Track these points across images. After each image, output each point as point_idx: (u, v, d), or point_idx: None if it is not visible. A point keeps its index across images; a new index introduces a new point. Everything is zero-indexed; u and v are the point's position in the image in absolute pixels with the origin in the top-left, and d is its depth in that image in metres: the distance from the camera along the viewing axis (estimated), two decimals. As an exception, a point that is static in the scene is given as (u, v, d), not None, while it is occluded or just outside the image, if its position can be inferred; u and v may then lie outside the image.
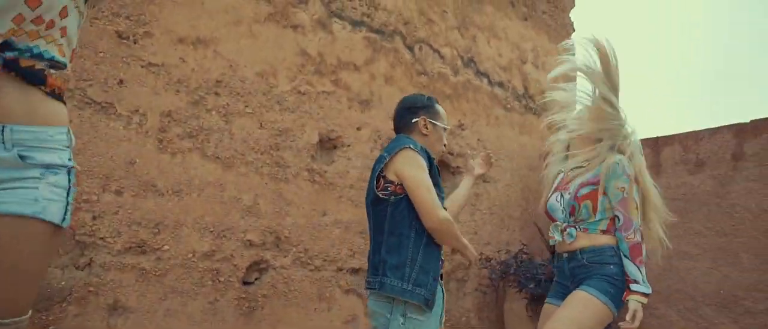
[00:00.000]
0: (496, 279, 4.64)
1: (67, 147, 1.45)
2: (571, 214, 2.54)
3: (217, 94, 3.59)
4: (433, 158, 2.19)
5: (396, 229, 2.09)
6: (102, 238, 3.17)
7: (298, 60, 3.92)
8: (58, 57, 1.43)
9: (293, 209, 3.85)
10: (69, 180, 1.43)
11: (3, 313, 1.33)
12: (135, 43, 3.33)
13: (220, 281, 3.54)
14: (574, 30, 5.66)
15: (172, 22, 3.45)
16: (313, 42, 3.99)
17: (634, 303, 2.38)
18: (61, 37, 1.44)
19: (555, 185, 2.66)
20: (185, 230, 3.42)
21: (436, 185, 2.14)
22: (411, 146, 2.10)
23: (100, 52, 3.22)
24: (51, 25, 1.41)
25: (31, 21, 1.37)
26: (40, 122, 1.39)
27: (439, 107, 2.35)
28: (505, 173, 4.93)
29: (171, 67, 3.43)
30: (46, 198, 1.37)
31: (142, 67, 3.34)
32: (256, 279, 3.74)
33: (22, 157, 1.36)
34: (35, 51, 1.38)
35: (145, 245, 3.29)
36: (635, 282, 2.41)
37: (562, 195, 2.59)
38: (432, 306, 2.04)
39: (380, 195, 2.13)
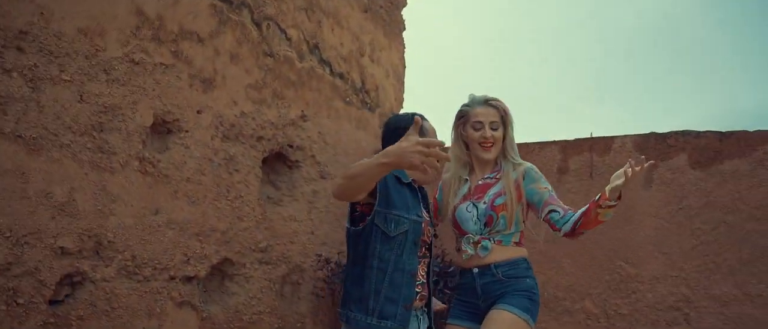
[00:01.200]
0: (332, 281, 4.35)
1: None
2: (487, 224, 2.38)
3: (20, 49, 2.68)
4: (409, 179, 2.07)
5: (358, 258, 1.95)
6: None
7: (132, 20, 3.14)
8: None
9: (119, 207, 3.07)
10: None
11: None
12: None
13: (18, 303, 2.65)
14: (405, 28, 5.63)
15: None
16: (151, 1, 3.24)
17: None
18: None
19: (462, 194, 2.46)
20: (-28, 235, 2.47)
21: (395, 206, 1.96)
22: None
23: None
24: None
25: None
26: None
27: (426, 125, 2.09)
28: (343, 169, 4.66)
29: None
30: None
31: None
32: (66, 297, 2.90)
33: None
34: None
35: None
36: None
37: (474, 205, 2.41)
38: None
39: (347, 225, 2.03)
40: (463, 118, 2.45)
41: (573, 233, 2.25)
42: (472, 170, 2.48)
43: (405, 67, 5.71)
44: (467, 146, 2.46)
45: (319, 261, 4.37)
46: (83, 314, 2.90)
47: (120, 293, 3.06)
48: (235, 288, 3.84)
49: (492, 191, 2.39)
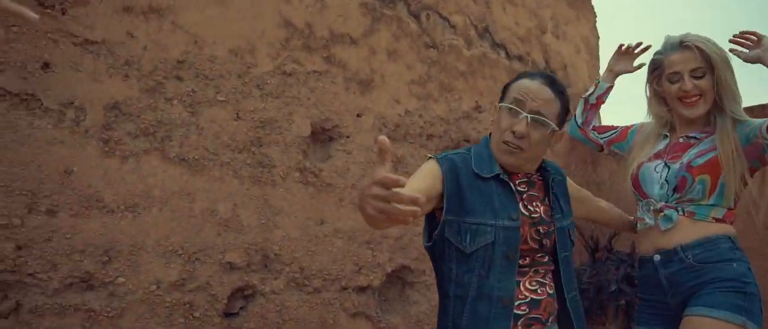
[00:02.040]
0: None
1: None
2: (677, 189, 1.79)
3: (179, 78, 2.81)
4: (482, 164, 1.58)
5: (439, 282, 1.63)
6: (31, 274, 2.37)
7: (281, 33, 3.14)
8: None
9: (283, 220, 3.08)
10: None
11: None
12: (63, 13, 2.52)
13: (194, 316, 2.76)
14: (594, -6, 4.95)
15: (115, -14, 2.65)
16: (299, 10, 3.21)
17: None
18: None
19: (655, 151, 1.90)
20: (145, 255, 2.64)
21: (471, 211, 1.51)
22: (430, 156, 1.62)
23: (14, 25, 2.41)
24: None
25: None
26: None
27: (511, 85, 1.61)
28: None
29: (115, 45, 2.64)
30: None
31: (75, 45, 2.54)
32: (241, 309, 2.97)
33: None
34: None
35: (93, 279, 2.51)
36: None
37: (666, 165, 1.83)
38: None
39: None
40: (657, 69, 1.92)
41: None
42: (673, 129, 1.92)
43: (598, 38, 5.00)
44: (667, 103, 1.91)
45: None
46: (255, 326, 2.95)
47: (290, 305, 3.06)
48: (416, 297, 3.64)
49: (694, 151, 1.82)
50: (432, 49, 3.76)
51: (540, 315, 1.52)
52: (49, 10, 2.49)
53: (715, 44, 1.80)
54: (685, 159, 1.80)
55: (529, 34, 4.36)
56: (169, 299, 2.70)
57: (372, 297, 3.42)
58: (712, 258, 1.76)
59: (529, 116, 1.50)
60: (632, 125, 2.05)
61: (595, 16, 4.99)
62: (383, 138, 1.07)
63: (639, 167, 1.88)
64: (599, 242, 3.75)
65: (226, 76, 2.95)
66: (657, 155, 1.87)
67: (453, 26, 3.88)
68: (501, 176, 1.55)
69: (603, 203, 1.97)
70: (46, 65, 2.48)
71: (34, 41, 2.45)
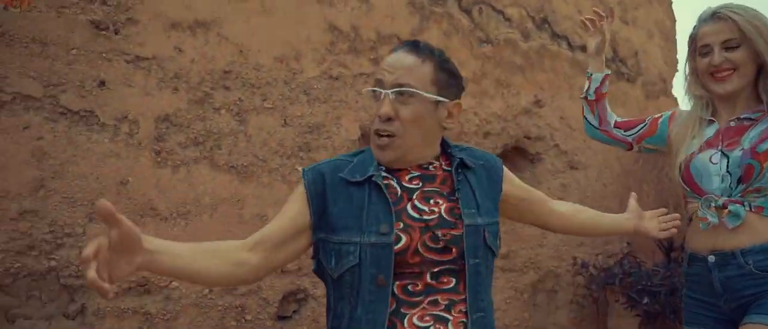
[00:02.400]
0: (596, 289, 3.72)
1: None
2: (742, 180, 1.60)
3: (226, 88, 2.89)
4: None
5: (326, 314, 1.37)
6: (90, 280, 2.53)
7: (326, 37, 3.16)
8: None
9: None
10: None
11: None
12: (116, 33, 2.67)
13: (246, 320, 2.84)
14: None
15: (162, 3, 2.77)
16: (344, 13, 3.22)
17: None
18: None
19: (704, 139, 1.69)
20: (197, 261, 2.74)
21: (336, 227, 1.24)
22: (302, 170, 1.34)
23: (73, 48, 2.58)
24: None
25: None
26: None
27: (382, 62, 1.33)
28: (596, 156, 3.99)
29: (165, 60, 2.76)
30: None
31: (127, 62, 2.68)
32: (294, 313, 3.03)
33: None
34: None
35: (149, 284, 2.64)
36: None
37: (724, 154, 1.64)
38: None
39: None
40: (693, 44, 1.74)
41: None
42: (715, 113, 1.73)
43: (674, 21, 4.67)
44: None
45: (575, 265, 3.79)
46: (308, 330, 3.00)
47: (343, 308, 3.08)
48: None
49: (754, 132, 1.64)
50: (486, 44, 3.65)
51: None
52: (103, 32, 2.64)
53: (754, 13, 1.62)
54: (746, 145, 1.61)
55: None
56: (222, 303, 2.79)
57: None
58: None
59: (389, 91, 1.23)
60: (661, 115, 1.86)
61: (671, -2, 4.67)
62: (103, 203, 0.91)
63: (689, 159, 1.68)
64: (674, 241, 3.50)
65: (273, 84, 3.01)
66: (709, 144, 1.67)
67: (508, 19, 3.75)
68: (373, 178, 1.24)
69: (564, 207, 1.60)
70: (102, 83, 2.63)
71: (91, 61, 2.61)
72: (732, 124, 1.67)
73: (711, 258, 1.64)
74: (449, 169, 1.31)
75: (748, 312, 1.56)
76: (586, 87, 1.91)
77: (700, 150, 1.67)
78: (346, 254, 1.20)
